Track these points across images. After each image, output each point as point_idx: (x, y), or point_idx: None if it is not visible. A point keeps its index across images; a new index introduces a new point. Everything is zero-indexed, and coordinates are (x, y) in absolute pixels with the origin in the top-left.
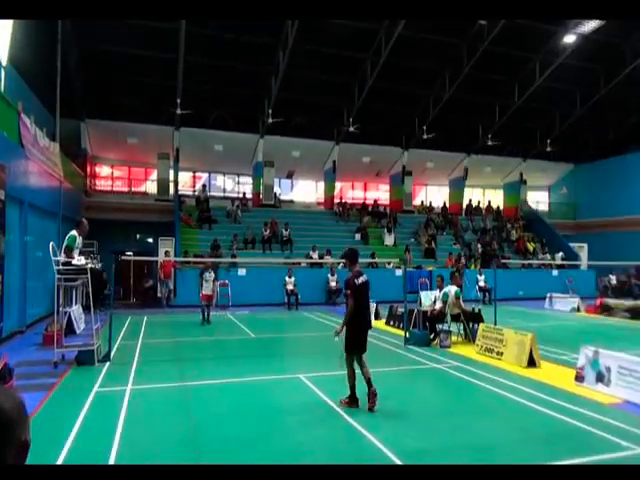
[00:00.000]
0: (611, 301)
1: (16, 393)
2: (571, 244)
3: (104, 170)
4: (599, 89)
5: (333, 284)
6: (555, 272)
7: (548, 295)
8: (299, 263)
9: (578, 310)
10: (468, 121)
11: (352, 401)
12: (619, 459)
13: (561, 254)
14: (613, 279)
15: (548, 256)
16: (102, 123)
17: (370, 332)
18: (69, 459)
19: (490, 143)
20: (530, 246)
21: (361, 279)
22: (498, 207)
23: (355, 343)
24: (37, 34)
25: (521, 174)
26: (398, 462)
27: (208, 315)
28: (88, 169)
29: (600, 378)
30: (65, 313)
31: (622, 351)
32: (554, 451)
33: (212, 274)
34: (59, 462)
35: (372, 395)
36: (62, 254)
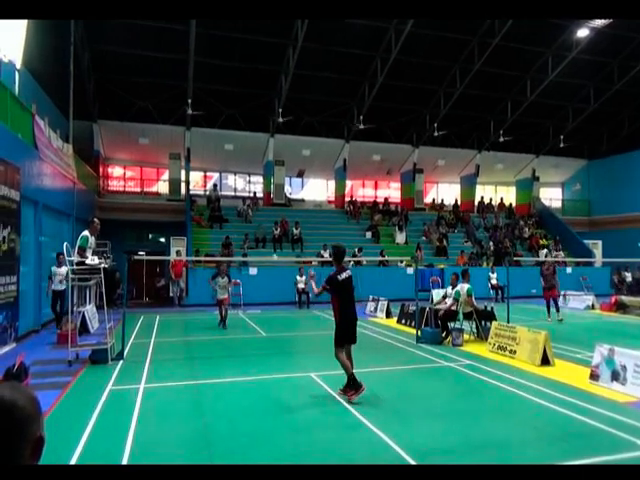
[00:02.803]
0: (626, 298)
1: (30, 390)
2: (585, 241)
3: (116, 171)
4: (613, 83)
5: None
6: (569, 269)
7: (562, 293)
8: (310, 262)
9: (592, 308)
10: (479, 117)
11: (357, 389)
12: (635, 459)
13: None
14: (628, 276)
15: (562, 253)
16: (114, 124)
17: (382, 330)
18: (83, 457)
19: (502, 139)
20: (543, 243)
21: (344, 275)
22: (510, 204)
23: (343, 335)
24: (50, 37)
25: (534, 170)
26: (411, 461)
27: (224, 318)
28: (101, 170)
29: (615, 377)
30: (79, 312)
31: (638, 349)
32: (568, 450)
33: (225, 279)
34: (73, 460)
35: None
36: (75, 254)
